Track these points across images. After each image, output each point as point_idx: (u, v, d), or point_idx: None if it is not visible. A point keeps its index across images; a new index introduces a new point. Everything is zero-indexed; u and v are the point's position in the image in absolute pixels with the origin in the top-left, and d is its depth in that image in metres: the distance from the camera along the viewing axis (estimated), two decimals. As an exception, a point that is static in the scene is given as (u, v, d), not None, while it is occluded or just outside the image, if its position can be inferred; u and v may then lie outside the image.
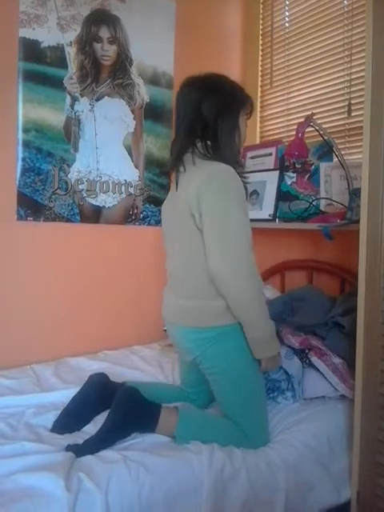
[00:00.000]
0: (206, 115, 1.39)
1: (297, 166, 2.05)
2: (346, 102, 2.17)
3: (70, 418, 1.44)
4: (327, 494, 1.44)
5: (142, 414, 1.38)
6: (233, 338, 1.40)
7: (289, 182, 2.15)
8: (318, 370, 1.67)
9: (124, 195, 2.32)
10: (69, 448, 1.28)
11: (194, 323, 1.41)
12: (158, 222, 2.41)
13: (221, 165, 1.37)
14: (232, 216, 1.32)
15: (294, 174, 2.12)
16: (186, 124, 1.42)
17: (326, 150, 2.07)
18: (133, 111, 2.33)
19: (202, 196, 1.33)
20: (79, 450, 1.27)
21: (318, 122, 2.04)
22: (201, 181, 1.34)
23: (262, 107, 2.67)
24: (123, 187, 2.31)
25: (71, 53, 2.14)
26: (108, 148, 2.26)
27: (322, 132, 1.98)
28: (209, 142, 1.40)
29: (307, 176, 2.10)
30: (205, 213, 1.33)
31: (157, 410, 1.39)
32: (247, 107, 1.49)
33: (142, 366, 2.01)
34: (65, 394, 1.62)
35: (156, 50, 2.38)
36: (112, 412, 1.36)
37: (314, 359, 1.67)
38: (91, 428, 1.42)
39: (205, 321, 1.40)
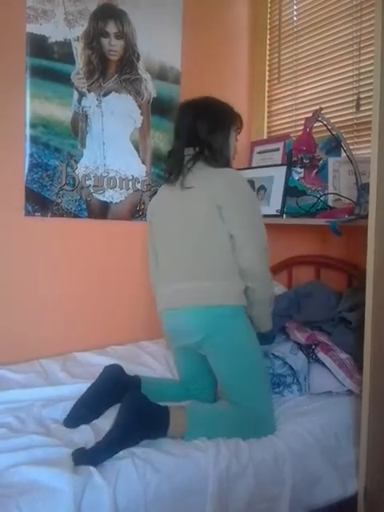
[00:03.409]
0: (200, 133, 1.58)
1: (304, 161, 2.04)
2: (355, 97, 2.15)
3: (84, 409, 1.45)
4: (333, 487, 1.44)
5: (151, 421, 1.34)
6: (243, 317, 1.51)
7: (296, 178, 2.14)
8: (324, 365, 1.67)
9: (131, 191, 2.32)
10: (74, 457, 1.21)
11: (208, 301, 1.47)
12: (165, 218, 2.41)
13: (233, 171, 1.59)
14: (258, 218, 1.55)
15: (302, 169, 2.11)
16: (184, 140, 1.61)
17: (334, 145, 2.05)
18: (140, 106, 2.32)
19: (231, 195, 1.51)
20: (82, 459, 1.20)
21: (326, 116, 2.03)
22: (224, 182, 1.52)
23: (269, 102, 2.66)
24: (130, 183, 2.31)
25: (78, 48, 2.14)
26: (115, 143, 2.26)
27: (330, 127, 1.96)
28: (206, 152, 1.59)
29: (315, 171, 2.09)
30: (237, 217, 1.51)
31: (166, 414, 1.36)
32: (236, 124, 1.67)
33: (148, 362, 2.01)
34: (73, 388, 1.63)
35: (163, 45, 2.37)
36: (119, 420, 1.32)
37: (321, 355, 1.67)
38: (100, 422, 1.43)
39: (220, 299, 1.48)
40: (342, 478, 1.46)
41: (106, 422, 1.42)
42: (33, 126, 2.06)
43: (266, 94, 2.66)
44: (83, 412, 1.45)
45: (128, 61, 2.28)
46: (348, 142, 2.01)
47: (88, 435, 1.35)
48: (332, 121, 2.03)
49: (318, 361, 1.68)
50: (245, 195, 1.54)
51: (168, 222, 1.62)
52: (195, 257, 1.52)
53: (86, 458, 1.21)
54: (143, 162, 2.35)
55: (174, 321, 1.56)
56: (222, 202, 1.49)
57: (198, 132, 1.58)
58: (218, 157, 1.58)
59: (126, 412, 1.33)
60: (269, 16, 2.64)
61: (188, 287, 1.51)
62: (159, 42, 2.35)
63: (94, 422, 1.43)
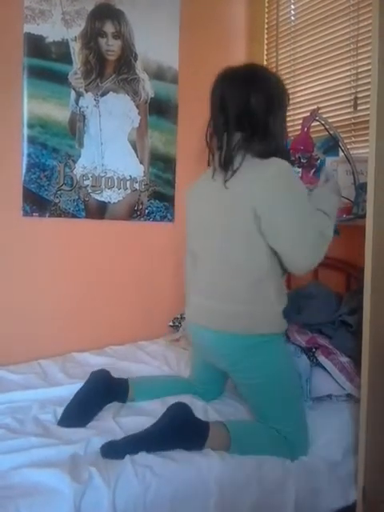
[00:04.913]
0: (256, 110, 1.34)
1: (302, 160, 2.03)
2: (352, 96, 2.15)
3: (74, 414, 1.43)
4: (335, 495, 1.43)
5: (190, 433, 1.31)
6: (277, 347, 1.42)
7: (294, 177, 2.13)
8: (324, 368, 1.66)
9: (129, 191, 2.32)
10: (103, 450, 1.24)
11: (238, 329, 1.35)
12: (163, 218, 2.41)
13: (281, 162, 1.32)
14: (303, 219, 1.31)
15: (300, 169, 2.10)
16: (233, 120, 1.36)
17: (332, 145, 2.05)
18: (138, 106, 2.32)
19: (272, 201, 1.29)
20: (109, 452, 1.23)
21: (324, 116, 2.03)
22: (267, 181, 1.30)
23: (267, 101, 2.66)
24: (128, 183, 2.31)
25: (76, 48, 2.14)
26: (113, 143, 2.25)
27: (327, 126, 1.96)
28: (257, 138, 1.35)
29: (313, 171, 2.08)
30: (282, 223, 1.29)
31: (205, 428, 1.33)
32: (288, 98, 1.47)
33: (147, 361, 2.01)
34: (71, 389, 1.62)
35: (161, 45, 2.37)
36: (160, 423, 1.30)
37: (321, 358, 1.66)
38: (95, 423, 1.42)
39: (248, 327, 1.36)
40: (343, 487, 1.45)
41: (103, 422, 1.43)
42: (30, 126, 2.05)
43: (264, 94, 2.66)
44: (74, 416, 1.43)
45: (125, 61, 2.28)
46: (346, 141, 2.01)
47: (87, 434, 1.34)
48: (330, 120, 2.03)
49: (319, 364, 1.67)
50: (287, 196, 1.29)
51: (208, 225, 1.43)
52: (228, 274, 1.37)
53: (113, 449, 1.23)
54: (141, 162, 2.34)
55: (198, 337, 1.48)
56: (259, 210, 1.29)
57: (253, 109, 1.33)
58: (275, 141, 1.34)
59: (169, 418, 1.29)
60: (266, 15, 2.64)
61: (216, 307, 1.39)
62: (157, 42, 2.35)
63: (90, 424, 1.43)
